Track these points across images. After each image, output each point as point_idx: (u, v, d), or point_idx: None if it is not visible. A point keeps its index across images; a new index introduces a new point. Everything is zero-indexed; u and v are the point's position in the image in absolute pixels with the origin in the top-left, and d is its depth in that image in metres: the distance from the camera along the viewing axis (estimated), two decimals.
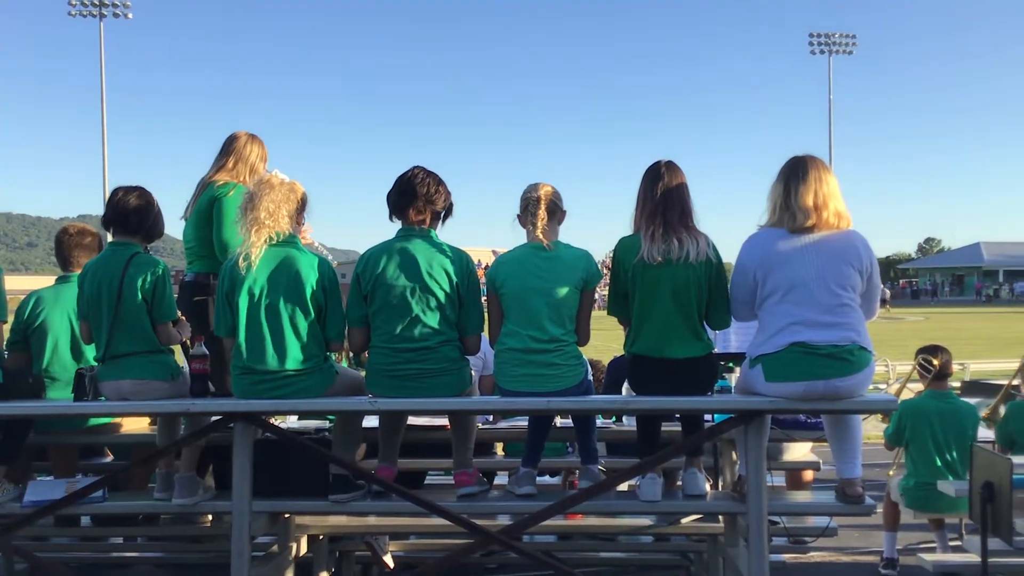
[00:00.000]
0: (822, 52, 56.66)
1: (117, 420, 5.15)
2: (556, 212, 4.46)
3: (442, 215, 4.50)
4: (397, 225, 4.45)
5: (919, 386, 6.65)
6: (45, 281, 6.00)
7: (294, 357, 4.26)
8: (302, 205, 4.45)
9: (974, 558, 5.10)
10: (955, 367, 7.85)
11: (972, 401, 6.81)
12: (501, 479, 5.78)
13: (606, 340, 11.96)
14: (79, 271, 4.72)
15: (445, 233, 4.52)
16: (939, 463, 5.93)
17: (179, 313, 4.68)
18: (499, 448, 5.64)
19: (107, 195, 4.70)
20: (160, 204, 4.75)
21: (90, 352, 4.82)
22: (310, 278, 4.28)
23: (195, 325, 4.74)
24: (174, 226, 5.28)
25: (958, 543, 6.30)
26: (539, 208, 4.38)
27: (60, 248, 5.45)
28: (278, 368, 4.24)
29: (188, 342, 4.74)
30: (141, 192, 4.64)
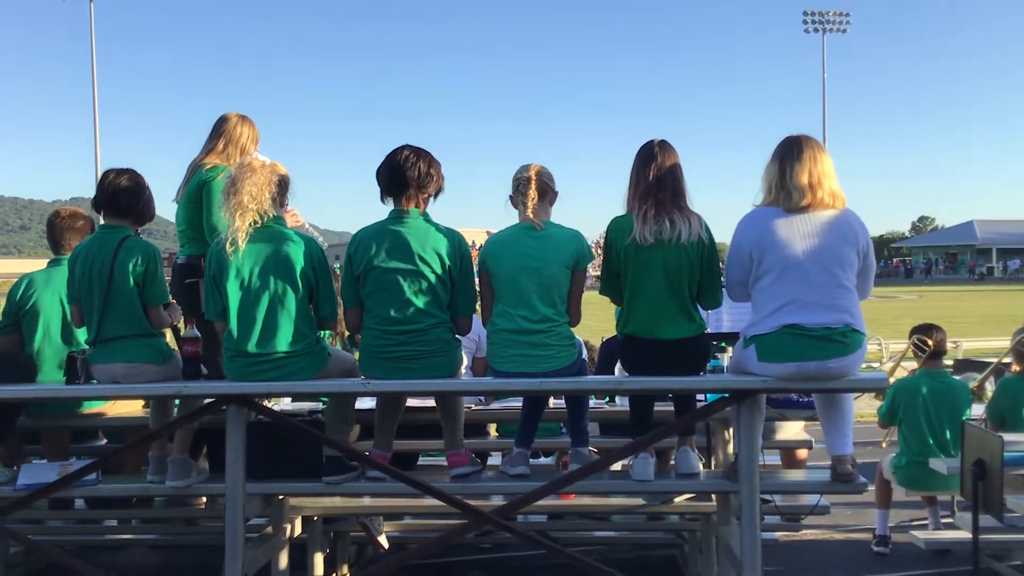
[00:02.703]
0: (816, 31, 56.52)
1: (110, 403, 5.14)
2: (547, 192, 4.45)
3: (435, 194, 4.49)
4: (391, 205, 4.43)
5: (913, 364, 6.67)
6: (38, 264, 5.97)
7: (285, 339, 4.24)
8: (285, 186, 4.42)
9: (965, 535, 5.14)
10: (948, 345, 7.87)
11: (961, 378, 6.83)
12: (495, 460, 5.79)
13: (600, 321, 11.96)
14: (70, 254, 4.70)
15: (441, 211, 4.51)
16: (931, 441, 5.94)
17: (170, 296, 4.66)
18: (492, 429, 5.65)
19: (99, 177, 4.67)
20: (153, 186, 4.73)
21: (81, 335, 4.80)
22: (299, 259, 4.26)
23: (187, 308, 4.72)
24: (168, 208, 5.25)
25: (950, 520, 6.35)
26: (529, 188, 4.37)
27: (51, 231, 5.41)
28: (270, 350, 4.23)
29: (180, 325, 4.73)
30: (132, 174, 4.61)
